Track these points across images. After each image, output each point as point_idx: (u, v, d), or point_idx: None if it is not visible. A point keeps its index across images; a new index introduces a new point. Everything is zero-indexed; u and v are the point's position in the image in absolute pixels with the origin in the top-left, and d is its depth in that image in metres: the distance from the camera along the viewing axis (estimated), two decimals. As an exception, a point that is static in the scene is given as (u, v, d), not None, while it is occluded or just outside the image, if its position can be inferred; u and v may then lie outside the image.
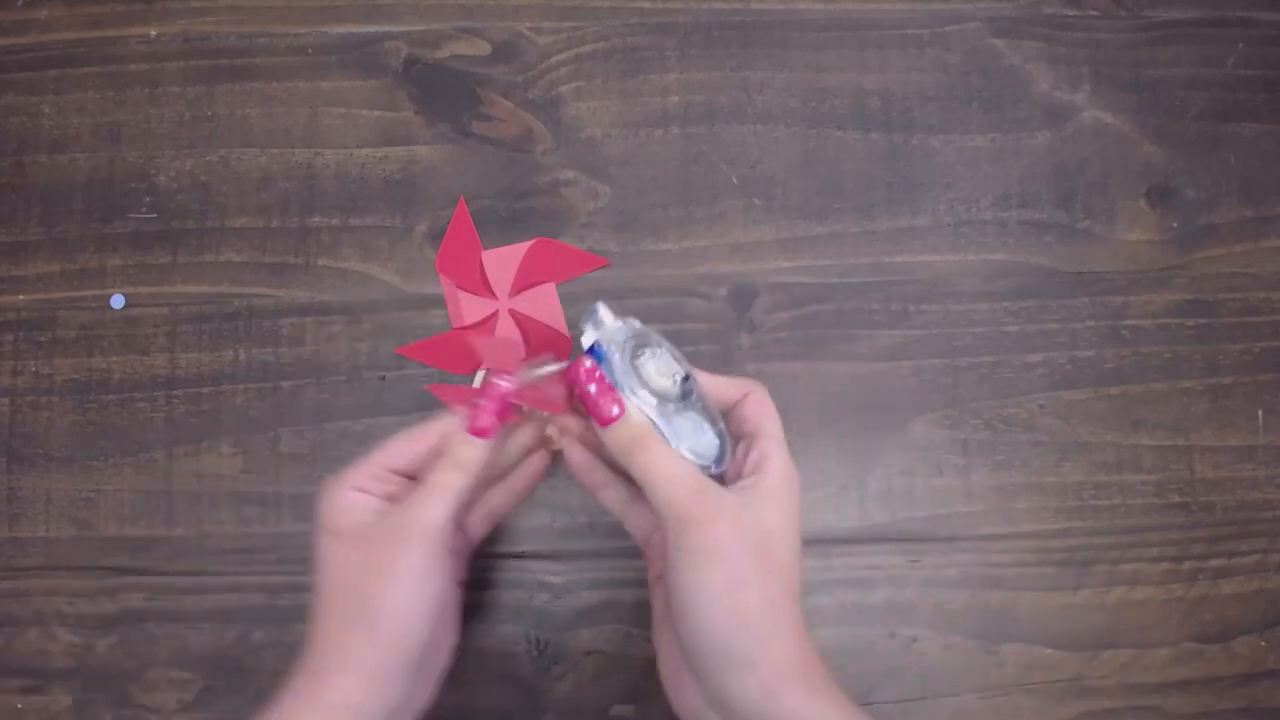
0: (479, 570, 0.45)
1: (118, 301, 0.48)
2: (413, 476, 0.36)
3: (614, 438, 0.33)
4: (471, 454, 0.34)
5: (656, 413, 0.34)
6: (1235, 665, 0.46)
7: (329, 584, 0.34)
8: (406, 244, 0.48)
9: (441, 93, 0.50)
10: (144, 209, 0.49)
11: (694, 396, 0.36)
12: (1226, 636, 0.46)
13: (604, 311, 0.36)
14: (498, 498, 0.40)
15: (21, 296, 0.48)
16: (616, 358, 0.35)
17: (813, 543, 0.46)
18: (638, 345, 0.36)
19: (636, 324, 0.37)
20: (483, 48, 0.51)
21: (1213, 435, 0.47)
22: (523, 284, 0.47)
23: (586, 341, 0.36)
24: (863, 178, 0.50)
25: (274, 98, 0.50)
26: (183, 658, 0.45)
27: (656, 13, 0.51)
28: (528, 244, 0.48)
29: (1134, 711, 0.45)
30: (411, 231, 0.49)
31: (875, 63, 0.51)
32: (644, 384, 0.35)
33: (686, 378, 0.36)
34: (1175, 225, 0.49)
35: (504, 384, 0.35)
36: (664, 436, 0.34)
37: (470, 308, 0.47)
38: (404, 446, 0.36)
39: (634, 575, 0.46)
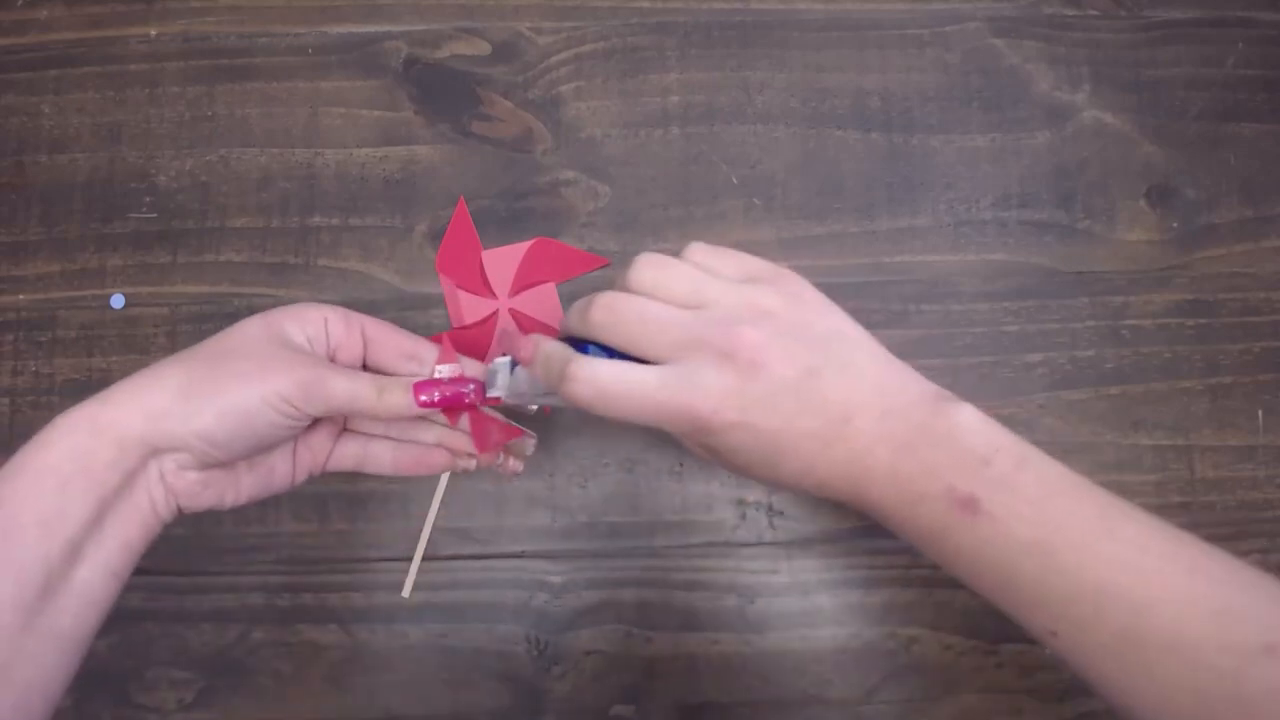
0: (479, 570, 0.45)
1: (118, 301, 0.48)
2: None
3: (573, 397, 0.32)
4: (393, 400, 0.34)
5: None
6: (1235, 665, 0.46)
7: (217, 344, 0.34)
8: (406, 244, 0.48)
9: (441, 93, 0.50)
10: (144, 209, 0.49)
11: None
12: (1226, 636, 0.46)
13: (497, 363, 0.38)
14: (380, 450, 0.38)
15: (21, 296, 0.48)
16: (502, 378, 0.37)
17: (813, 543, 0.46)
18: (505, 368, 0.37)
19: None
20: (483, 48, 0.51)
21: (1213, 435, 0.47)
22: (523, 284, 0.47)
23: (499, 386, 0.37)
24: (863, 178, 0.50)
25: (274, 98, 0.50)
26: (183, 658, 0.45)
27: (656, 13, 0.51)
28: (528, 244, 0.48)
29: (1134, 711, 0.45)
30: (411, 231, 0.49)
31: (875, 63, 0.51)
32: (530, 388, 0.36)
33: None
34: (1175, 225, 0.49)
35: (465, 387, 0.35)
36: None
37: (470, 307, 0.47)
38: (387, 336, 0.37)
39: (634, 575, 0.46)
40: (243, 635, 0.45)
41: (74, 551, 0.30)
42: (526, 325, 0.47)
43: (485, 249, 0.48)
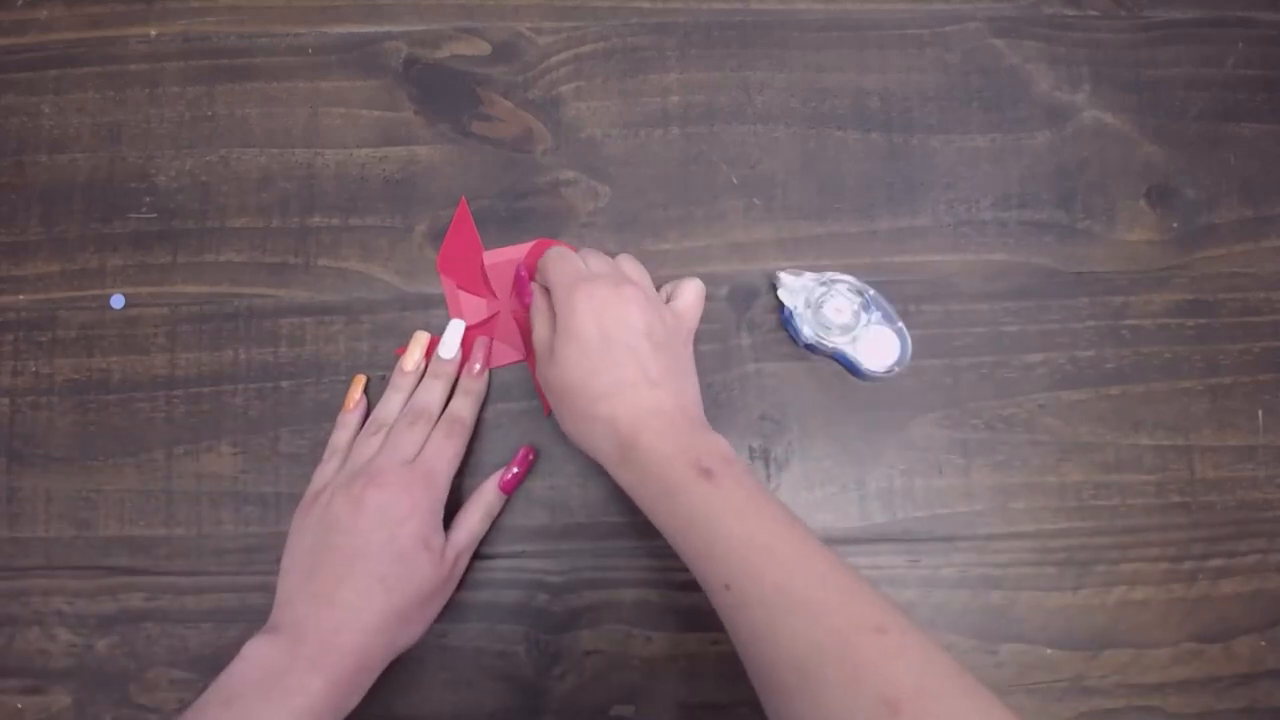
0: (479, 570, 0.45)
1: (118, 301, 0.48)
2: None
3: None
4: (494, 504, 0.46)
5: (846, 345, 0.46)
6: (1235, 665, 0.46)
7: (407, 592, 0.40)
8: (406, 244, 0.48)
9: (441, 93, 0.50)
10: (144, 209, 0.49)
11: (872, 308, 0.46)
12: (1226, 636, 0.46)
13: (784, 277, 0.47)
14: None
15: (21, 296, 0.48)
16: (802, 314, 0.46)
17: (813, 543, 0.46)
18: (818, 295, 0.46)
19: (808, 277, 0.46)
20: (483, 48, 0.51)
21: (1213, 435, 0.47)
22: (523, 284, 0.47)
23: (784, 301, 0.46)
24: (863, 178, 0.50)
25: (274, 98, 0.50)
26: (183, 658, 0.45)
27: (656, 13, 0.51)
28: (528, 245, 0.48)
29: (1134, 711, 0.45)
30: (411, 231, 0.49)
31: (875, 63, 0.51)
32: (828, 327, 0.46)
33: (863, 298, 0.46)
34: (1175, 225, 0.49)
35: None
36: (855, 362, 0.46)
37: (471, 308, 0.47)
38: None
39: (634, 575, 0.46)
40: (243, 635, 0.45)
41: None
42: (525, 326, 0.47)
43: (486, 250, 0.48)
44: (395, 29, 0.51)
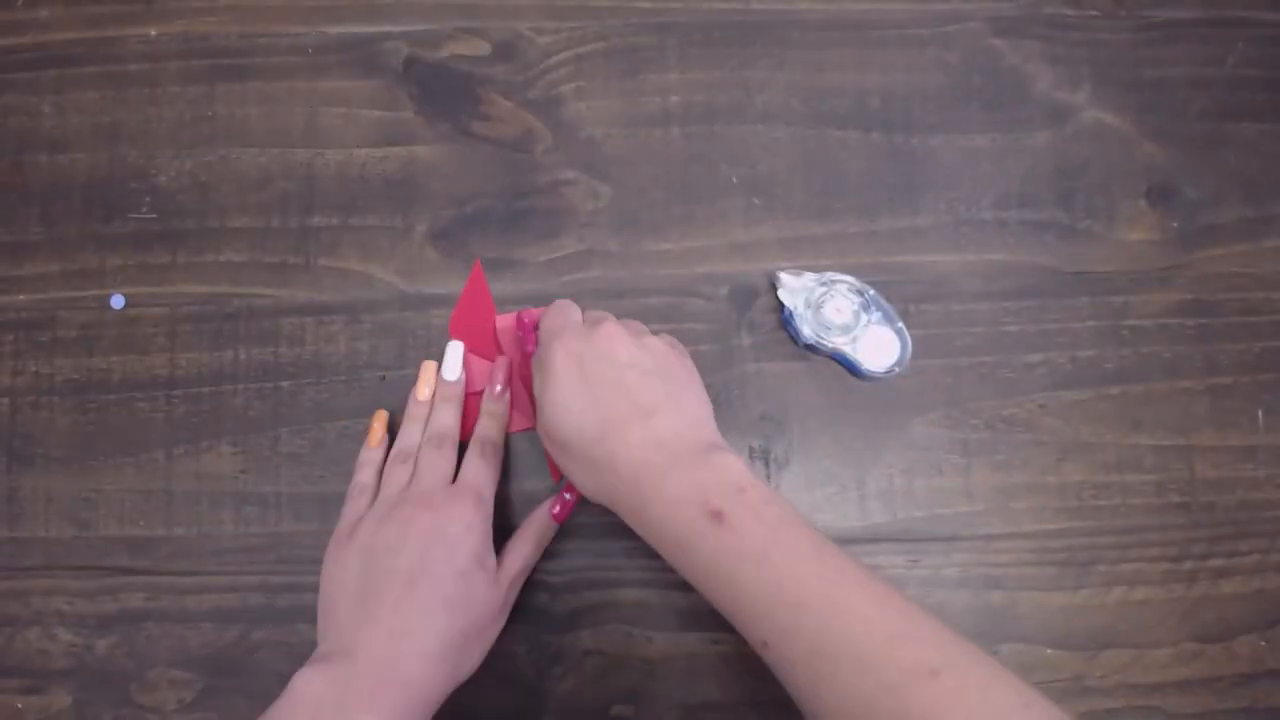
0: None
1: (118, 301, 0.48)
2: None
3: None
4: (548, 529, 0.44)
5: (845, 345, 0.46)
6: (1235, 665, 0.46)
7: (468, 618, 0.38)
8: (406, 244, 0.48)
9: (441, 93, 0.50)
10: (144, 209, 0.49)
11: (872, 308, 0.46)
12: (1226, 636, 0.46)
13: (784, 277, 0.47)
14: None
15: (21, 296, 0.48)
16: (802, 314, 0.46)
17: (813, 543, 0.46)
18: (818, 295, 0.46)
19: (808, 278, 0.47)
20: (483, 48, 0.51)
21: (1213, 435, 0.47)
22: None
23: (784, 301, 0.46)
24: (863, 178, 0.50)
25: (274, 98, 0.50)
26: (183, 658, 0.45)
27: (656, 13, 0.51)
28: (539, 311, 0.47)
29: (1134, 711, 0.45)
30: (411, 231, 0.49)
31: (875, 63, 0.51)
32: (828, 327, 0.46)
33: (863, 298, 0.46)
34: (1175, 225, 0.49)
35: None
36: (855, 363, 0.46)
37: (480, 373, 0.47)
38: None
39: (634, 575, 0.46)
40: (243, 635, 0.45)
41: None
42: (531, 387, 0.46)
43: (499, 313, 0.47)
44: (395, 29, 0.51)
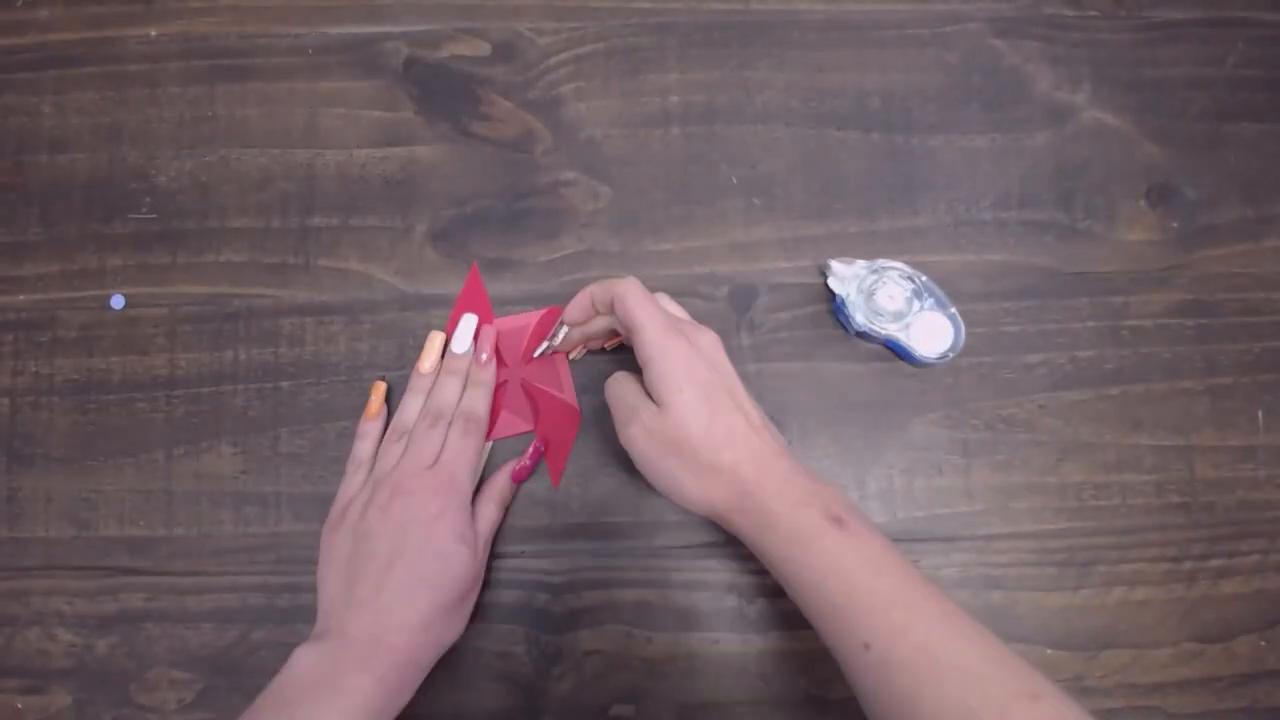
0: (479, 570, 0.45)
1: (118, 301, 0.48)
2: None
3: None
4: (507, 491, 0.46)
5: (898, 331, 0.46)
6: (1235, 665, 0.46)
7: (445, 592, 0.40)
8: (406, 244, 0.48)
9: (441, 93, 0.50)
10: (144, 209, 0.49)
11: (924, 294, 0.46)
12: (1226, 636, 0.46)
13: (835, 265, 0.47)
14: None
15: (21, 296, 0.48)
16: (854, 301, 0.46)
17: (813, 543, 0.46)
18: (870, 283, 0.46)
19: (860, 265, 0.47)
20: (483, 48, 0.51)
21: (1213, 435, 0.47)
22: (534, 353, 0.47)
23: (835, 289, 0.47)
24: (863, 178, 0.50)
25: (274, 98, 0.50)
26: (183, 658, 0.45)
27: (656, 13, 0.51)
28: (539, 313, 0.47)
29: (1134, 711, 0.45)
30: (411, 231, 0.49)
31: (875, 63, 0.51)
32: (880, 314, 0.46)
33: (915, 284, 0.46)
34: (1175, 225, 0.49)
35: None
36: (909, 349, 0.46)
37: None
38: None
39: (634, 575, 0.46)
40: (243, 635, 0.45)
41: None
42: (537, 396, 0.46)
43: (497, 317, 0.47)
44: (395, 29, 0.51)
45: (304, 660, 0.37)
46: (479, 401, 0.45)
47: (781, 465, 0.38)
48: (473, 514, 0.43)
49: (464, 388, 0.45)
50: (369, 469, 0.44)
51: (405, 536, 0.40)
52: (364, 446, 0.45)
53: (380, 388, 0.46)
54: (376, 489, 0.42)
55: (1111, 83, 0.51)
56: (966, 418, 0.47)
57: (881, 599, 0.34)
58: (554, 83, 0.50)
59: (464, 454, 0.43)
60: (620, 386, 0.41)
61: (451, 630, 0.41)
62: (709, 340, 0.40)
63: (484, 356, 0.46)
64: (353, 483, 0.44)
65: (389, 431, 0.45)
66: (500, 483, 0.45)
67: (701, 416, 0.37)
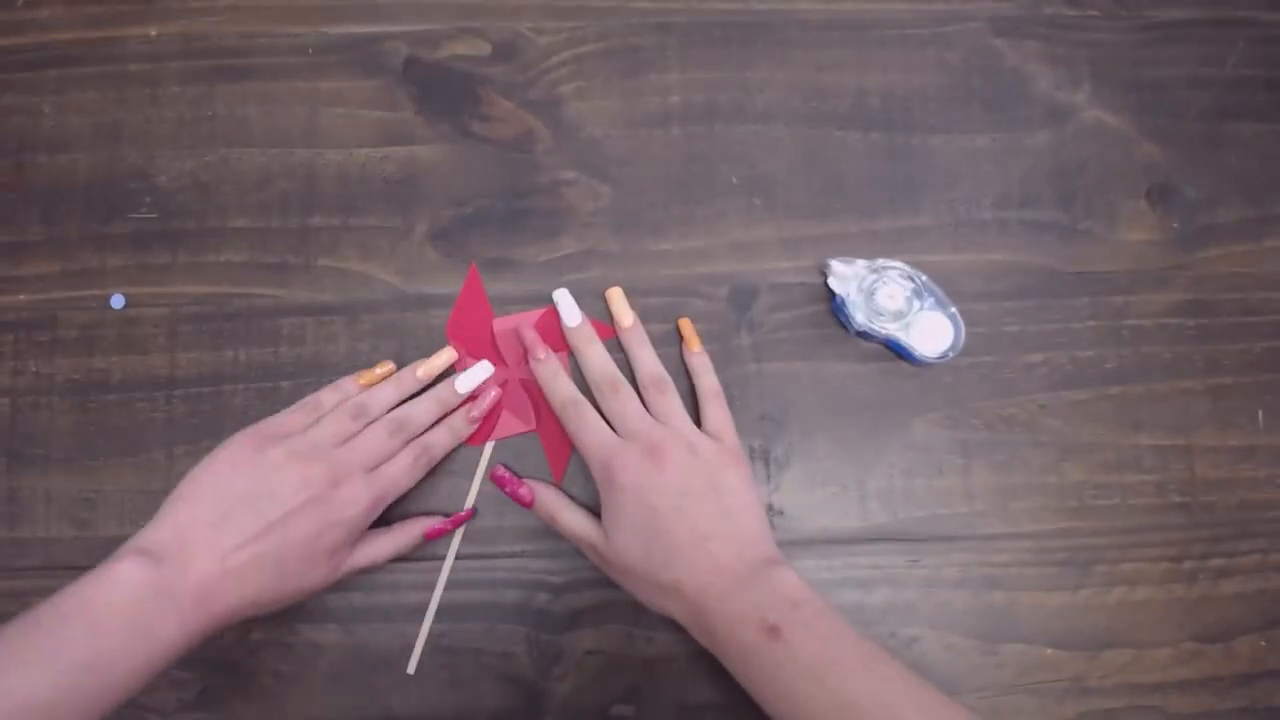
0: (479, 570, 0.45)
1: (118, 301, 0.48)
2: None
3: (539, 510, 0.45)
4: (411, 543, 0.45)
5: (899, 331, 0.46)
6: (1235, 665, 0.46)
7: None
8: (406, 244, 0.48)
9: (441, 93, 0.50)
10: (144, 209, 0.49)
11: (925, 294, 0.46)
12: (1226, 636, 0.46)
13: (835, 264, 0.47)
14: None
15: (21, 296, 0.48)
16: (854, 301, 0.46)
17: (813, 543, 0.46)
18: (870, 282, 0.46)
19: (860, 264, 0.47)
20: (483, 48, 0.51)
21: (1213, 435, 0.47)
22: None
23: (835, 289, 0.47)
24: (863, 178, 0.50)
25: (274, 98, 0.50)
26: (183, 658, 0.45)
27: (656, 13, 0.51)
28: (539, 312, 0.47)
29: (1134, 711, 0.45)
30: (411, 231, 0.49)
31: (875, 63, 0.51)
32: (881, 313, 0.46)
33: (915, 284, 0.46)
34: (1175, 225, 0.49)
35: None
36: (909, 349, 0.46)
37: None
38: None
39: (634, 575, 0.46)
40: (243, 635, 0.45)
41: None
42: (536, 395, 0.46)
43: (496, 316, 0.47)
44: (395, 29, 0.51)
45: (134, 583, 0.35)
46: (443, 443, 0.44)
47: (721, 579, 0.38)
48: (365, 539, 0.42)
49: (437, 418, 0.45)
50: (315, 420, 0.42)
51: (298, 521, 0.39)
52: (329, 398, 0.44)
53: (388, 366, 0.45)
54: (309, 454, 0.40)
55: (1112, 82, 0.51)
56: (967, 418, 0.47)
57: (822, 707, 0.35)
58: (554, 82, 0.50)
59: (401, 481, 0.42)
60: (566, 518, 0.43)
61: (269, 611, 0.39)
62: (664, 456, 0.41)
63: (474, 413, 0.45)
64: (291, 420, 0.42)
65: (351, 404, 0.43)
66: (414, 530, 0.44)
67: (636, 545, 0.40)
